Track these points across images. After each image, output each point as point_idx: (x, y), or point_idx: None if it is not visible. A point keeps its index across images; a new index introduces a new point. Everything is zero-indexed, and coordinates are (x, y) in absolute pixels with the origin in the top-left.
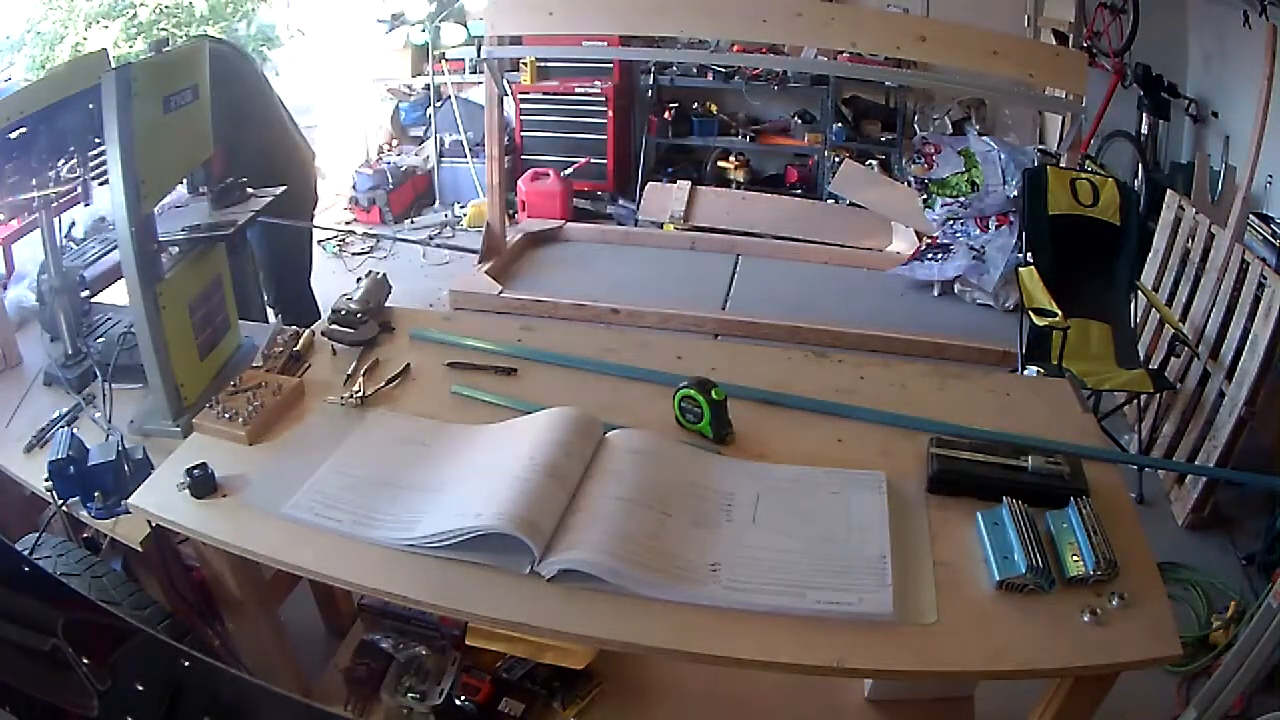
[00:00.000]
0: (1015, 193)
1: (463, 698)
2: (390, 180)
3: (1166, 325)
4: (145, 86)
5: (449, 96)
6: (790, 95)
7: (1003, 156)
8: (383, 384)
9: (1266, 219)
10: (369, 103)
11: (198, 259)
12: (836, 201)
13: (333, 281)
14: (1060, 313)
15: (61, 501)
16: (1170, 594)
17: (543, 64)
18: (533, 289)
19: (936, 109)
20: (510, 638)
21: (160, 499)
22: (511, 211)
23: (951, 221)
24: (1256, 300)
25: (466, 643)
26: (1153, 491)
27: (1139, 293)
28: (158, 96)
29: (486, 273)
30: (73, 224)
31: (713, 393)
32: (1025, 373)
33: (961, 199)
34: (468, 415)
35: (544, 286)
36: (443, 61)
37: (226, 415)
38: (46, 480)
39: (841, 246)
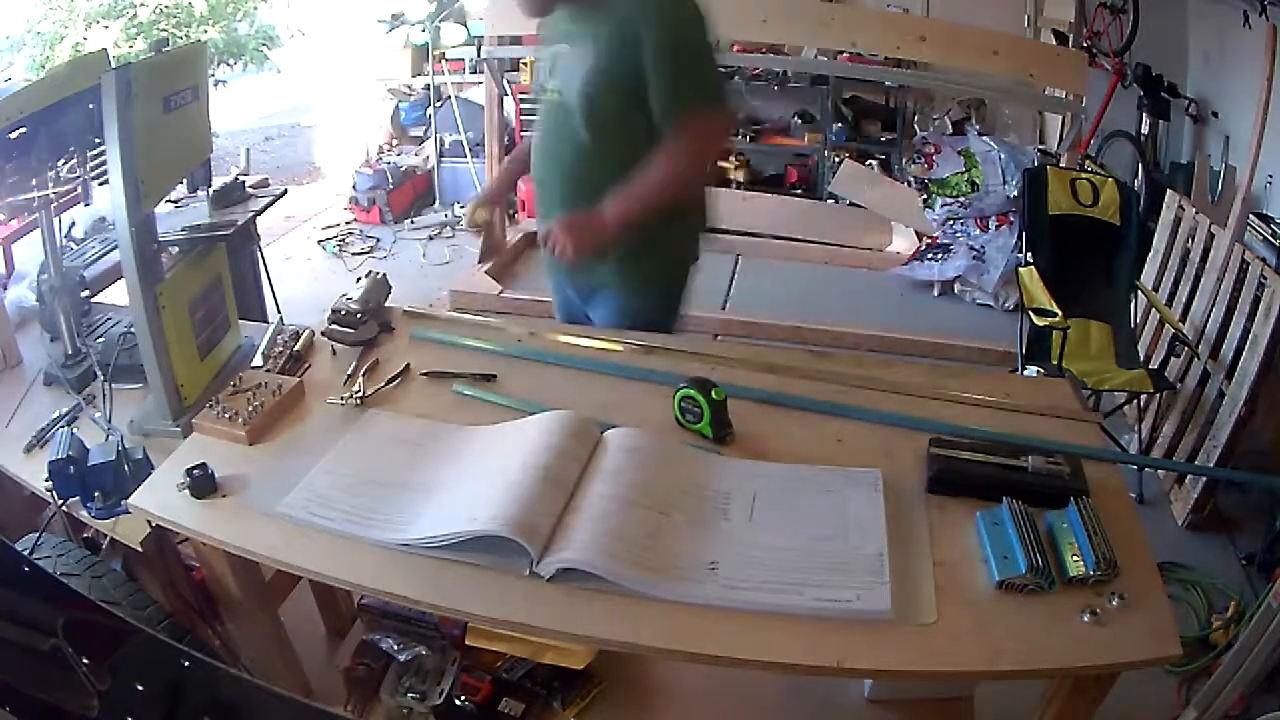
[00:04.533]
0: (1015, 193)
1: (463, 698)
2: (390, 180)
3: (1166, 325)
4: (145, 86)
5: (449, 96)
6: (790, 95)
7: (1003, 156)
8: (383, 384)
9: (1266, 219)
10: (369, 103)
11: (198, 259)
12: (836, 201)
13: (333, 281)
14: (1060, 313)
15: (61, 501)
16: (1170, 594)
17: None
18: (533, 289)
19: (936, 109)
20: (510, 638)
21: (160, 499)
22: (511, 211)
23: (951, 221)
24: (1256, 300)
25: (466, 643)
26: (1153, 491)
27: (1139, 293)
28: (158, 96)
29: (486, 273)
30: (73, 224)
31: (713, 393)
32: (1025, 373)
33: (961, 199)
34: (468, 415)
35: (544, 287)
36: (443, 61)
37: (226, 415)
38: (46, 480)
39: (841, 246)
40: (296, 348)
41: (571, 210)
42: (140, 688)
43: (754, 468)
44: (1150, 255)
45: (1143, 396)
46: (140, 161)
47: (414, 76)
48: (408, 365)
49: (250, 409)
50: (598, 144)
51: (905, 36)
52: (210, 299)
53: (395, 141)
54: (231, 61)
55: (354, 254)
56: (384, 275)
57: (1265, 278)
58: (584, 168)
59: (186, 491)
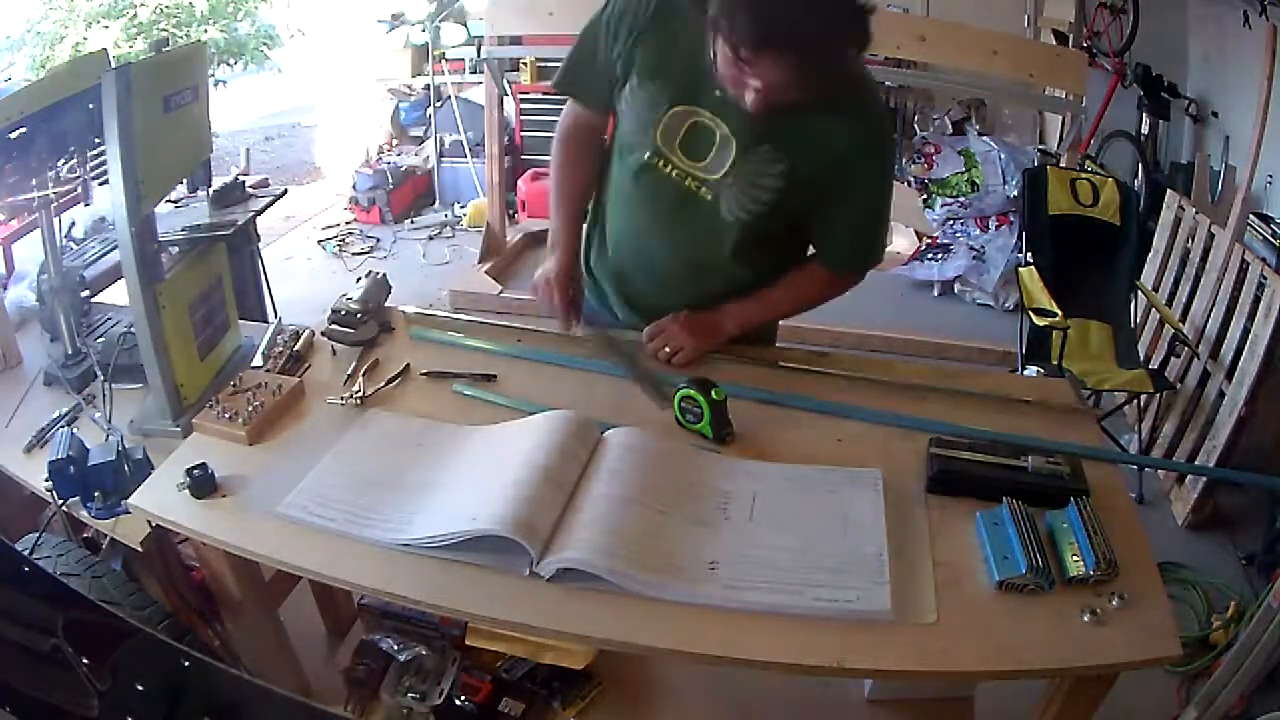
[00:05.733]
0: (1015, 193)
1: (463, 698)
2: (390, 180)
3: (1166, 325)
4: (145, 86)
5: (449, 96)
6: None
7: (1003, 156)
8: (383, 384)
9: (1266, 219)
10: (369, 103)
11: (198, 259)
12: None
13: (333, 281)
14: (1060, 313)
15: (61, 501)
16: (1170, 594)
17: (543, 64)
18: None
19: (936, 109)
20: (510, 638)
21: (160, 499)
22: (511, 211)
23: (951, 221)
24: (1256, 300)
25: (466, 643)
26: (1153, 491)
27: (1139, 293)
28: (158, 96)
29: (486, 273)
30: (73, 224)
31: (713, 393)
32: (1025, 373)
33: (961, 199)
34: (468, 415)
35: None
36: (443, 61)
37: (226, 415)
38: (46, 480)
39: None
40: (296, 348)
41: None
42: (140, 688)
43: (754, 468)
44: (1150, 255)
45: (1143, 396)
46: (140, 161)
47: (414, 76)
48: (408, 365)
49: (250, 409)
50: (742, 262)
51: (905, 36)
52: (210, 299)
53: (395, 141)
54: (231, 61)
55: (354, 254)
56: (384, 275)
57: (1265, 278)
58: (713, 279)
59: (186, 491)
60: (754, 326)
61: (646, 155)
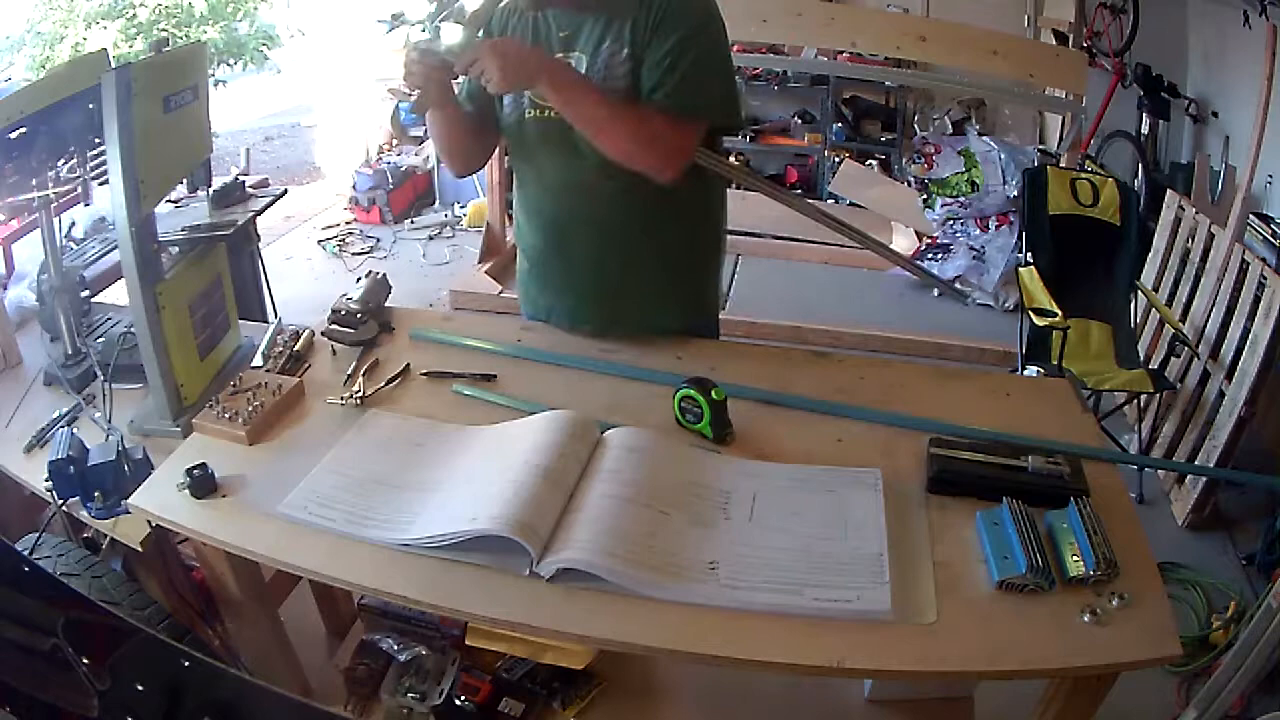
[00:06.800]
0: (1015, 193)
1: (463, 698)
2: (390, 180)
3: (1166, 325)
4: (145, 86)
5: None
6: (790, 95)
7: (1003, 156)
8: (383, 384)
9: (1266, 219)
10: (369, 103)
11: (198, 259)
12: (836, 201)
13: (333, 281)
14: (1060, 313)
15: (61, 501)
16: (1170, 594)
17: None
18: None
19: (936, 109)
20: (510, 638)
21: (160, 499)
22: (511, 212)
23: (951, 221)
24: (1256, 300)
25: (466, 643)
26: (1153, 491)
27: (1139, 293)
28: (158, 96)
29: (486, 273)
30: (73, 224)
31: (713, 393)
32: (1025, 373)
33: (961, 199)
34: (469, 415)
35: None
36: None
37: (226, 415)
38: (46, 480)
39: (841, 246)
40: (296, 348)
41: (606, 263)
42: (140, 688)
43: (754, 467)
44: (1150, 255)
45: (1143, 396)
46: (140, 161)
47: None
48: (408, 365)
49: (250, 409)
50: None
51: (905, 36)
52: (210, 299)
53: (395, 141)
54: (231, 61)
55: (354, 254)
56: (384, 275)
57: (1265, 278)
58: (618, 199)
59: (186, 491)
60: (577, 100)
61: (525, 112)
